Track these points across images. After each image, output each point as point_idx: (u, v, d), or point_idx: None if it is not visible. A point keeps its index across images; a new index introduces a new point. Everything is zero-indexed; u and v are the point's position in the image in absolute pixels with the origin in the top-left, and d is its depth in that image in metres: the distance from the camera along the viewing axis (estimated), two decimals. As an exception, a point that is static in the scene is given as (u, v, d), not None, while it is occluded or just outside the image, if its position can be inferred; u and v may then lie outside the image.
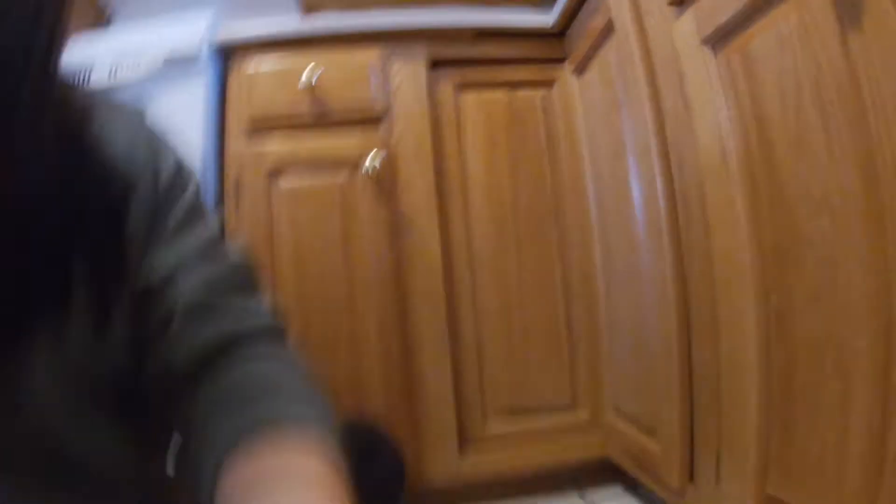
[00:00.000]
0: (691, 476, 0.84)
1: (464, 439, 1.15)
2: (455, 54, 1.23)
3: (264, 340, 0.43)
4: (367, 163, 1.12)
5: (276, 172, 1.13)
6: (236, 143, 1.15)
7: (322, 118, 1.16)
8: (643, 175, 0.92)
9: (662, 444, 0.90)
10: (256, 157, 1.13)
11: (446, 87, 1.21)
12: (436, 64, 1.22)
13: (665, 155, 0.85)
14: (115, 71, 1.12)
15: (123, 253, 0.41)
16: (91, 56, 1.13)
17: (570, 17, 1.17)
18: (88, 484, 0.42)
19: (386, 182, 1.14)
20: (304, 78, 1.13)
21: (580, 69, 1.18)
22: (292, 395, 0.39)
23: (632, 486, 1.21)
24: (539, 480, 1.22)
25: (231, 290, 0.45)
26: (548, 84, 1.24)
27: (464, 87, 1.22)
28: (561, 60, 1.24)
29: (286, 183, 1.14)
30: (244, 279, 0.47)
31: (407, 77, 1.19)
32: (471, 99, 1.22)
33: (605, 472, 1.22)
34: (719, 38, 0.70)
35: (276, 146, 1.14)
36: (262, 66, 1.16)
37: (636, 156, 0.93)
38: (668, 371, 0.87)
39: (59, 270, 0.38)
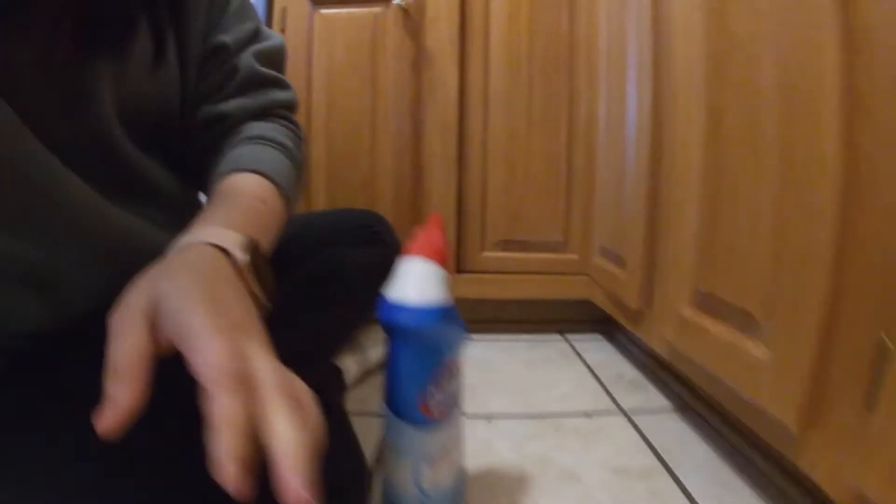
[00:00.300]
0: (649, 303, 0.95)
1: (459, 262, 1.30)
2: None
3: (288, 111, 0.69)
4: None
5: (317, 1, 1.25)
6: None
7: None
8: (639, 28, 0.99)
9: (628, 270, 1.02)
10: None
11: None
12: None
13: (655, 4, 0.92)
14: None
15: (183, 13, 0.58)
16: None
17: None
18: (147, 192, 0.57)
19: (414, 16, 1.25)
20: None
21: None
22: (276, 159, 0.61)
23: (610, 335, 1.35)
24: (524, 316, 1.37)
25: (273, 64, 0.68)
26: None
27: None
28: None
29: (326, 11, 1.26)
30: (281, 57, 0.70)
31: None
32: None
33: (587, 319, 1.36)
34: None
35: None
36: None
37: (637, 9, 1.00)
38: (636, 206, 0.98)
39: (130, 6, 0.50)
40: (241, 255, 0.42)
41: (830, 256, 0.51)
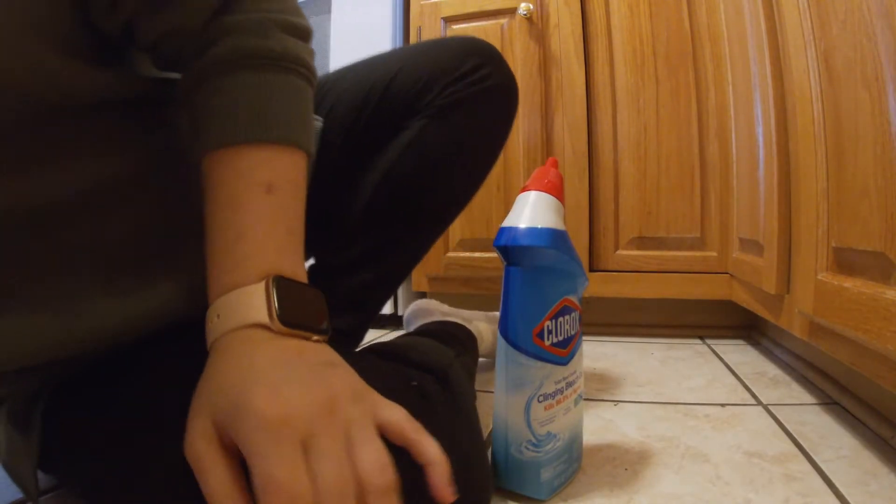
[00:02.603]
0: (788, 283, 0.90)
1: (592, 260, 1.31)
2: None
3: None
4: (522, 6, 1.29)
5: (448, 18, 1.36)
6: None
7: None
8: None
9: (766, 255, 0.97)
10: (433, 7, 1.38)
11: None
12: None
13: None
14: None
15: None
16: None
17: None
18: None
19: (538, 24, 1.30)
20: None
21: None
22: (267, 95, 0.44)
23: (754, 341, 1.28)
24: (662, 320, 1.34)
25: None
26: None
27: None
28: None
29: (457, 26, 1.36)
30: None
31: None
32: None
33: (729, 324, 1.31)
34: None
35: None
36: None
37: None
38: (769, 183, 0.94)
39: None
40: (274, 321, 0.38)
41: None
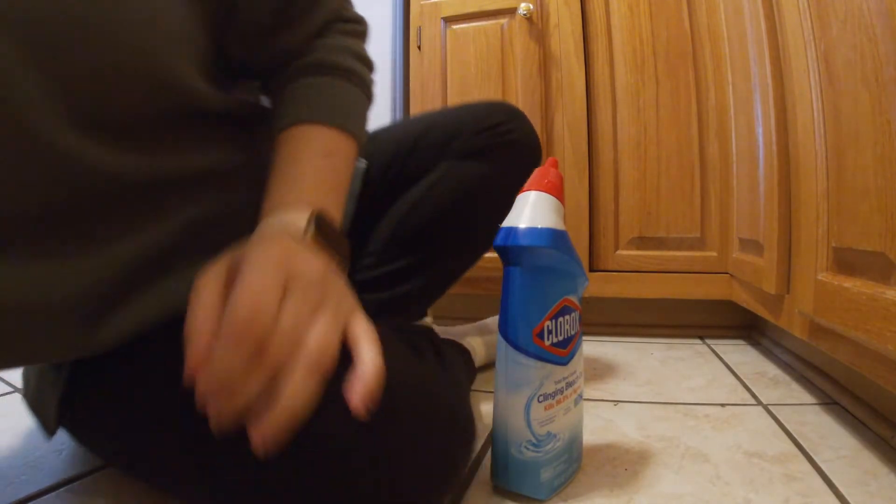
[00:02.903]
0: (788, 284, 0.90)
1: (592, 260, 1.31)
2: None
3: (342, 10, 0.63)
4: (522, 6, 1.29)
5: (448, 18, 1.36)
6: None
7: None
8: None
9: (766, 255, 0.97)
10: (433, 7, 1.38)
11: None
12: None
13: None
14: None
15: None
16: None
17: None
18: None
19: (538, 23, 1.30)
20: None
21: None
22: (337, 93, 0.58)
23: (754, 341, 1.28)
24: (662, 320, 1.34)
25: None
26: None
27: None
28: None
29: (457, 26, 1.36)
30: None
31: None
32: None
33: (729, 324, 1.30)
34: None
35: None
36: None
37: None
38: (769, 183, 0.94)
39: None
40: (307, 234, 0.45)
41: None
